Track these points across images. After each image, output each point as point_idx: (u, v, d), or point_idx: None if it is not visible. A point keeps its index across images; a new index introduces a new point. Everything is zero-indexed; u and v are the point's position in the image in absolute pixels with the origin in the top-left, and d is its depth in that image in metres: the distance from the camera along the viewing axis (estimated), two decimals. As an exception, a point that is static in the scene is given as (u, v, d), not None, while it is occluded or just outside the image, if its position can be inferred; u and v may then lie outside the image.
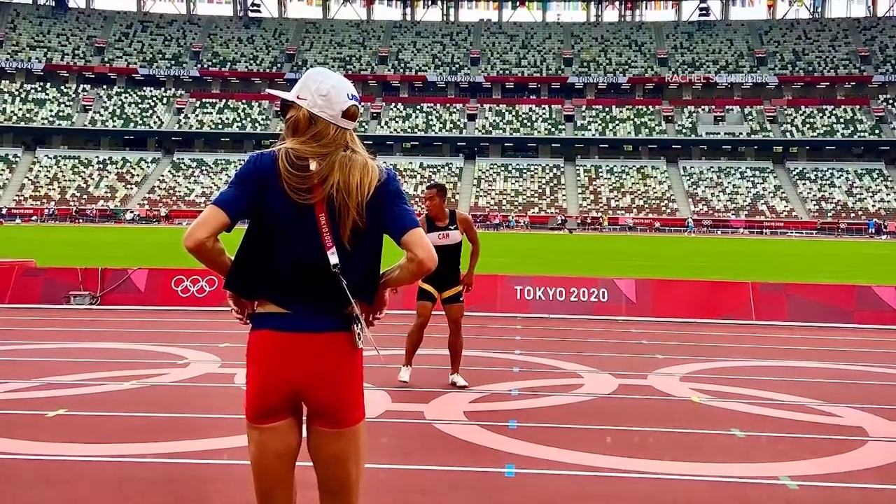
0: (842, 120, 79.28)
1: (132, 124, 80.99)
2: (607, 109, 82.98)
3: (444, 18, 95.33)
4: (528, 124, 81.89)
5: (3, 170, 75.82)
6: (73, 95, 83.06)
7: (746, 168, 77.83)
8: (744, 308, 13.36)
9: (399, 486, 4.86)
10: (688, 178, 77.11)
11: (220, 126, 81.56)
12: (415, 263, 2.66)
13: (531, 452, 5.50)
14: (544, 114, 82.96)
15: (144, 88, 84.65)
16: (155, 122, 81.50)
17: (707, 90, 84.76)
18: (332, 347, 2.66)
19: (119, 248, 29.47)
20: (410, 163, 78.66)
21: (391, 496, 4.66)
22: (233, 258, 2.71)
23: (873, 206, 71.24)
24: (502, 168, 79.37)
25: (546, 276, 15.33)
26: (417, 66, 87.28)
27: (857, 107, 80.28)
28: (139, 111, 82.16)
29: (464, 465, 5.26)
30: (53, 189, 74.12)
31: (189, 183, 76.12)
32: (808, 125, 79.47)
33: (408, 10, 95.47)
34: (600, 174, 78.13)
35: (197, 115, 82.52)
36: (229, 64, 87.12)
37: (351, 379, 2.69)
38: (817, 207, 71.90)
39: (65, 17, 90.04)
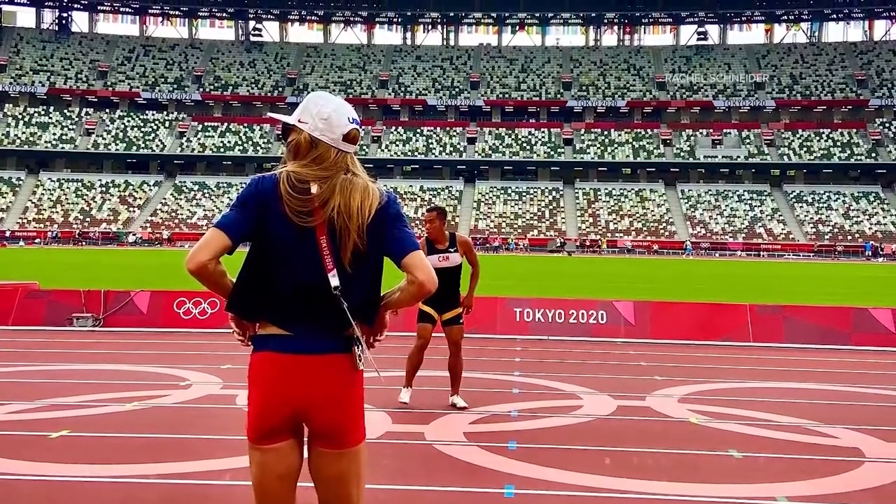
0: (839, 143, 79.65)
1: (135, 147, 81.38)
2: (606, 133, 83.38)
3: (444, 43, 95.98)
4: (528, 148, 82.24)
5: (6, 193, 76.05)
6: (76, 119, 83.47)
7: (744, 191, 78.10)
8: (741, 330, 13.43)
9: (400, 507, 4.85)
10: (686, 200, 77.36)
11: (221, 149, 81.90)
12: (415, 286, 2.68)
13: (530, 473, 5.54)
14: (543, 137, 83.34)
15: (147, 112, 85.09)
16: (157, 146, 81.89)
17: (705, 114, 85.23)
18: (333, 369, 2.67)
19: (122, 271, 29.64)
20: (411, 186, 78.90)
21: (392, 516, 4.66)
22: (234, 280, 2.72)
23: (870, 228, 71.42)
24: (502, 191, 79.62)
25: (545, 298, 15.38)
26: (418, 89, 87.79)
27: (854, 130, 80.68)
28: (141, 134, 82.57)
29: (464, 485, 5.30)
30: (56, 212, 74.34)
31: (191, 206, 76.36)
32: (805, 148, 79.85)
33: (408, 35, 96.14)
34: (599, 197, 78.38)
35: (199, 139, 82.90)
36: (231, 88, 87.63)
37: (352, 400, 2.70)
38: (814, 230, 72.08)
39: (68, 41, 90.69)
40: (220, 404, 7.91)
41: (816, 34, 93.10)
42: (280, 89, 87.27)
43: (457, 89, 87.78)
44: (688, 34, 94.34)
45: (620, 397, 8.49)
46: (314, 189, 2.67)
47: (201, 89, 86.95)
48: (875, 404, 8.65)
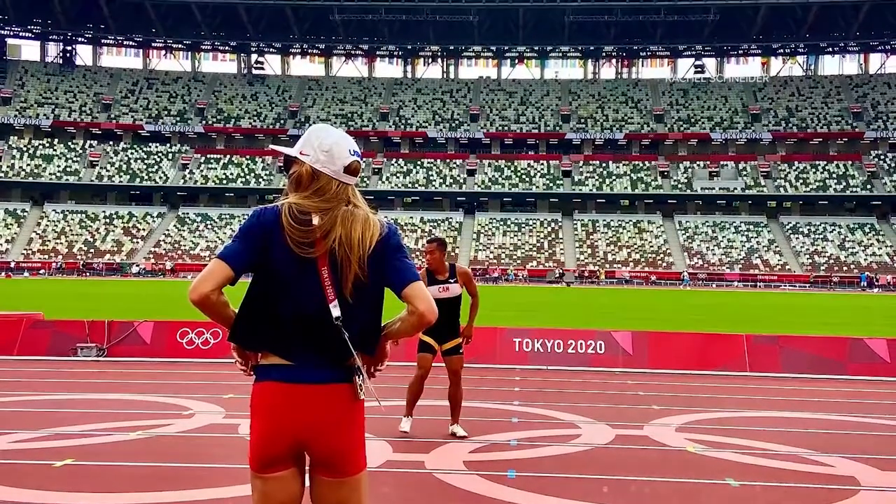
0: (834, 175, 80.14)
1: (138, 179, 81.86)
2: (604, 165, 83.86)
3: (444, 76, 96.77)
4: (527, 179, 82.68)
5: (11, 224, 76.40)
6: (80, 151, 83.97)
7: (741, 222, 78.45)
8: (738, 360, 13.53)
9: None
10: (683, 232, 77.66)
11: (224, 181, 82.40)
12: (416, 316, 2.70)
13: (530, 501, 5.60)
14: (542, 169, 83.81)
15: (150, 144, 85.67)
16: (160, 178, 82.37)
17: (702, 146, 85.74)
18: (334, 398, 2.69)
19: (125, 301, 29.75)
20: (411, 217, 79.22)
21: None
22: (237, 311, 2.74)
23: (865, 259, 71.66)
24: (501, 222, 79.91)
25: (544, 328, 15.47)
26: (418, 122, 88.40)
27: (850, 162, 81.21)
28: (145, 167, 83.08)
29: (463, 513, 5.32)
30: (61, 243, 74.64)
31: (194, 237, 76.70)
32: (801, 180, 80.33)
33: (408, 68, 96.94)
34: (597, 228, 78.69)
35: (202, 171, 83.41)
36: (233, 120, 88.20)
37: (353, 429, 2.72)
38: (810, 261, 72.30)
39: (72, 74, 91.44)
40: (222, 433, 7.96)
41: (812, 67, 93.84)
42: (282, 122, 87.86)
43: (457, 122, 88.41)
44: (685, 67, 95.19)
45: (618, 426, 8.54)
46: (316, 220, 2.69)
47: (204, 122, 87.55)
48: (871, 433, 8.72)
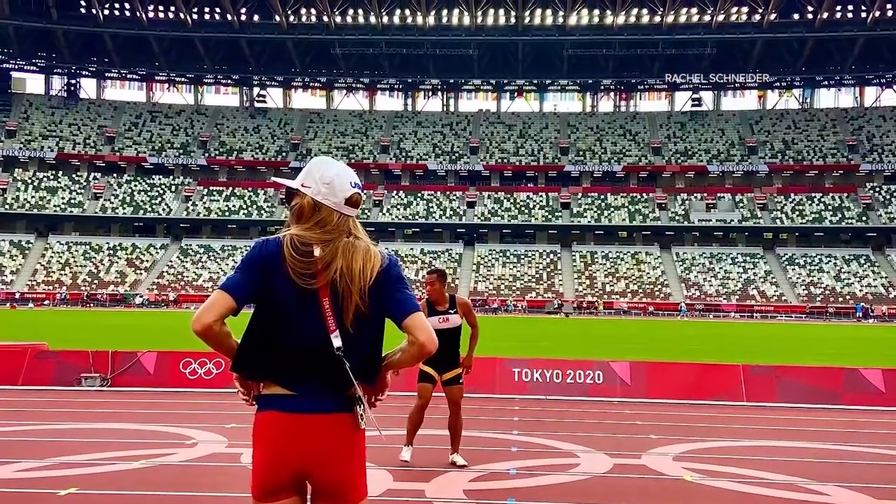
0: (830, 207, 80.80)
1: (141, 211, 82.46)
2: (602, 197, 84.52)
3: (444, 109, 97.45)
4: (526, 211, 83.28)
5: (16, 255, 76.89)
6: (84, 183, 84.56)
7: (737, 254, 79.00)
8: (735, 390, 13.54)
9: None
10: (681, 263, 78.22)
11: (226, 213, 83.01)
12: (416, 346, 2.71)
13: (530, 530, 5.74)
14: (541, 201, 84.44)
15: (153, 176, 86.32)
16: (164, 210, 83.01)
17: (699, 178, 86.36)
18: (335, 428, 2.70)
19: (129, 332, 29.64)
20: (411, 249, 79.69)
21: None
22: (239, 341, 2.76)
23: (861, 290, 72.14)
24: (501, 254, 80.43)
25: (543, 358, 15.49)
26: (418, 154, 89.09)
27: (845, 194, 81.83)
28: (148, 199, 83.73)
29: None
30: (65, 274, 75.03)
31: (197, 268, 77.12)
32: (797, 212, 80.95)
33: (409, 101, 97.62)
34: (596, 260, 79.22)
35: (204, 203, 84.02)
36: (236, 153, 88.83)
37: (354, 458, 2.73)
38: (806, 292, 72.77)
39: (76, 107, 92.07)
40: (225, 462, 7.97)
41: (808, 100, 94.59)
42: (284, 154, 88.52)
43: (457, 154, 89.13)
44: (682, 100, 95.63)
45: (617, 455, 8.56)
46: (317, 252, 2.71)
47: (207, 154, 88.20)
48: (866, 462, 8.73)
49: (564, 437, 9.72)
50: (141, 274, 76.14)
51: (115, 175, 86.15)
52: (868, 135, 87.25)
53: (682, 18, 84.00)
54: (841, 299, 71.07)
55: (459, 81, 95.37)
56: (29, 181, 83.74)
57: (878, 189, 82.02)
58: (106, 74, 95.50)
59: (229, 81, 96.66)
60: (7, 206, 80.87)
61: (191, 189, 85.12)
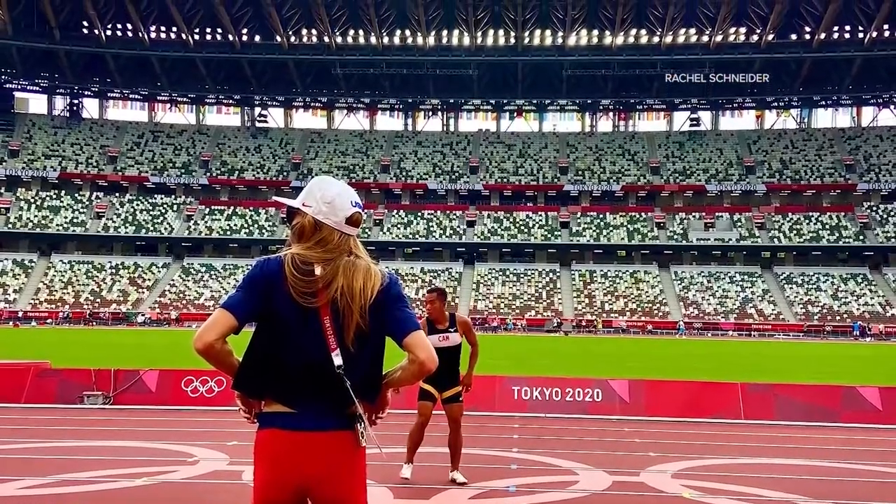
0: (827, 226, 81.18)
1: (144, 230, 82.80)
2: (601, 216, 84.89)
3: (444, 129, 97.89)
4: (525, 231, 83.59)
5: (19, 274, 77.16)
6: (87, 203, 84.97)
7: (735, 273, 79.34)
8: (733, 407, 13.61)
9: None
10: (679, 282, 78.51)
11: (228, 232, 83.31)
12: (416, 365, 2.73)
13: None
14: (541, 220, 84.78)
15: (155, 196, 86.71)
16: (165, 229, 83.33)
17: (698, 198, 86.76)
18: (336, 446, 2.72)
19: (131, 350, 29.71)
20: (412, 267, 79.98)
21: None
22: (240, 359, 2.77)
23: (858, 309, 72.39)
24: (500, 273, 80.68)
25: (543, 377, 15.54)
26: (419, 174, 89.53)
27: (842, 214, 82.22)
28: (150, 218, 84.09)
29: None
30: (68, 293, 75.30)
31: (198, 287, 77.35)
32: (794, 231, 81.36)
33: (409, 121, 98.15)
34: (595, 279, 79.49)
35: (206, 222, 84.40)
36: (237, 172, 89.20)
37: (354, 476, 2.74)
38: (804, 311, 73.04)
39: (78, 127, 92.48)
40: (226, 480, 8.03)
41: (806, 120, 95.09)
42: (285, 174, 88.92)
43: (456, 174, 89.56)
44: (681, 120, 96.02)
45: (615, 473, 8.61)
46: (318, 271, 2.72)
47: (208, 174, 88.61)
48: (863, 480, 8.79)
49: (564, 455, 9.78)
50: (143, 292, 76.38)
51: (117, 194, 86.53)
52: (865, 155, 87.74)
53: (681, 39, 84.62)
54: (838, 318, 71.31)
55: (459, 101, 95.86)
56: (32, 200, 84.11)
57: (874, 208, 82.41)
58: (108, 94, 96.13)
59: (231, 101, 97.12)
60: (10, 226, 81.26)
61: (192, 208, 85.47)
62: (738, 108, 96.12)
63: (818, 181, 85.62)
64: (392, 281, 2.80)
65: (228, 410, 12.69)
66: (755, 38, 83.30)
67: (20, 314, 69.12)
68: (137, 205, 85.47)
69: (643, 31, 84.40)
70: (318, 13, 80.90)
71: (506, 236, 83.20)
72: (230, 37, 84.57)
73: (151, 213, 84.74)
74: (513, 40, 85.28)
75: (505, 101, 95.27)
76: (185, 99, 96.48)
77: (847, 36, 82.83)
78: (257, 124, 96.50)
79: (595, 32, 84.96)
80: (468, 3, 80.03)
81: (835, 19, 78.96)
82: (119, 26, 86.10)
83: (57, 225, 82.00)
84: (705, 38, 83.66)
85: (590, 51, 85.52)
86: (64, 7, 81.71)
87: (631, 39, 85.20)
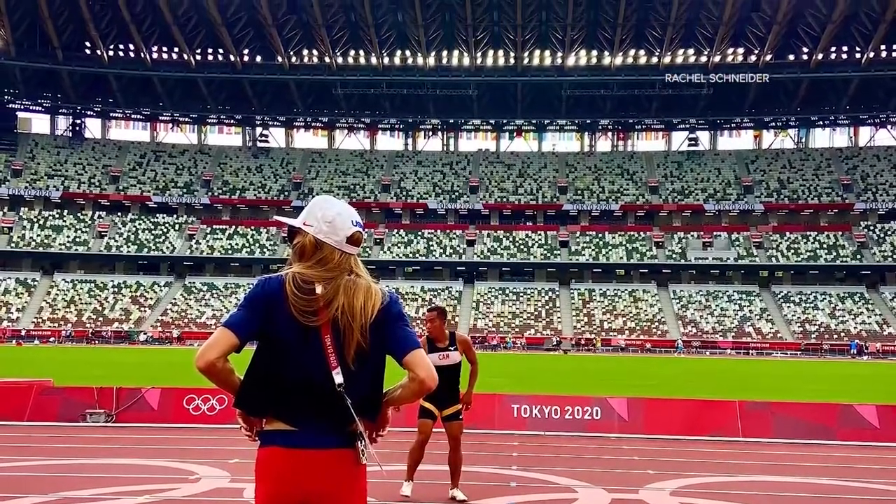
0: (825, 245, 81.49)
1: (146, 250, 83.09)
2: (600, 235, 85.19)
3: (444, 148, 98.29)
4: (525, 250, 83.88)
5: (22, 293, 77.34)
6: (89, 222, 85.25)
7: (733, 291, 79.56)
8: (731, 425, 13.68)
9: None
10: (677, 301, 78.73)
11: (229, 251, 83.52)
12: (416, 383, 2.73)
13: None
14: (540, 239, 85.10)
15: (157, 215, 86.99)
16: (167, 248, 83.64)
17: (696, 217, 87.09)
18: (337, 463, 2.72)
19: (133, 369, 29.80)
20: (412, 286, 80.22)
21: None
22: (242, 378, 2.77)
23: (855, 328, 72.59)
24: (500, 291, 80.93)
25: (542, 395, 15.62)
26: (419, 193, 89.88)
27: (840, 233, 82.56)
28: (152, 237, 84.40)
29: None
30: (70, 311, 75.48)
31: (200, 306, 77.56)
32: (792, 250, 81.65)
33: (409, 141, 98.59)
34: (594, 297, 79.69)
35: (207, 241, 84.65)
36: (238, 192, 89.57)
37: (355, 493, 2.74)
38: (801, 329, 73.26)
39: (81, 147, 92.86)
40: (228, 497, 8.06)
41: (803, 140, 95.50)
42: (286, 193, 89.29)
43: (456, 193, 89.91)
44: (679, 140, 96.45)
45: (614, 490, 8.64)
46: (319, 290, 2.73)
47: (210, 193, 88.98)
48: (860, 497, 8.83)
49: (563, 473, 9.81)
50: (145, 311, 76.59)
51: (119, 214, 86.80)
52: (862, 174, 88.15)
53: (680, 59, 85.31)
54: (836, 336, 71.52)
55: (459, 121, 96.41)
56: (34, 220, 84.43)
57: (872, 228, 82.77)
58: (110, 114, 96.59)
59: (232, 121, 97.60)
60: (13, 245, 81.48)
61: (194, 228, 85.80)
62: (736, 128, 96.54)
63: (816, 200, 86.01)
64: (392, 300, 2.82)
65: (230, 428, 12.75)
66: (753, 58, 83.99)
67: (23, 332, 69.29)
68: (139, 224, 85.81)
69: (642, 52, 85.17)
70: (319, 34, 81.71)
71: (505, 255, 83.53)
72: (231, 57, 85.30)
73: (153, 232, 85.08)
74: (512, 61, 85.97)
75: (504, 121, 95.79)
76: (186, 119, 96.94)
77: (844, 56, 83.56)
78: (258, 144, 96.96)
79: (594, 53, 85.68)
80: (468, 24, 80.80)
81: (832, 40, 79.67)
82: (121, 47, 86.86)
83: (60, 244, 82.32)
84: (704, 59, 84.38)
85: (589, 71, 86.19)
86: (66, 28, 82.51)
87: (630, 60, 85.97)
